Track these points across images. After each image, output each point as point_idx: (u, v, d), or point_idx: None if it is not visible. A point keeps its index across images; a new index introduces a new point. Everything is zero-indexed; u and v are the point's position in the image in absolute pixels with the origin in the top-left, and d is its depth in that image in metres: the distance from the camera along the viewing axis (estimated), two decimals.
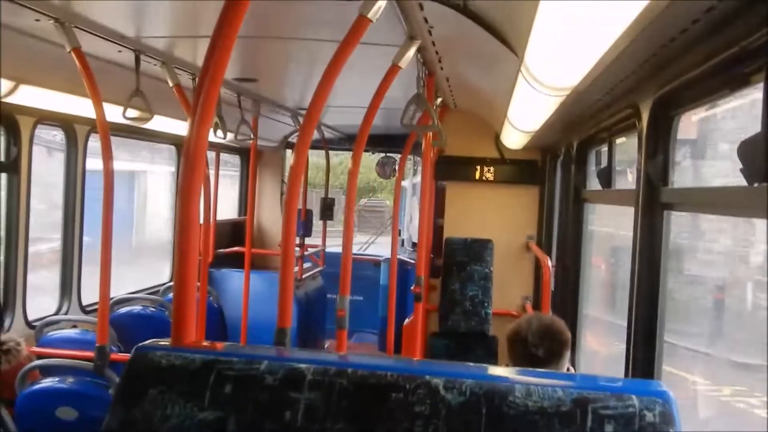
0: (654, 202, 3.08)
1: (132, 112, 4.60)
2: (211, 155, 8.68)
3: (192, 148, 1.96)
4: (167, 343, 1.87)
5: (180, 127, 5.67)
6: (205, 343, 1.97)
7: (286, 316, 2.65)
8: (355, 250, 15.97)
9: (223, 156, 9.46)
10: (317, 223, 9.69)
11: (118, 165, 4.43)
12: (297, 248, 8.60)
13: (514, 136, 6.09)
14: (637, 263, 3.14)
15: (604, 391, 1.60)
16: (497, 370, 1.82)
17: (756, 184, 2.02)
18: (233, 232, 9.55)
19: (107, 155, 4.32)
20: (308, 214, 8.95)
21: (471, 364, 1.87)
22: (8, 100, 4.73)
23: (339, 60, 2.60)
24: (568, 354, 3.18)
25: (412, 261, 10.21)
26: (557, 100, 3.49)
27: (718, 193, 2.69)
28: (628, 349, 3.21)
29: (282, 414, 1.67)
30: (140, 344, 1.83)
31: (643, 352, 3.08)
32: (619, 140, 4.66)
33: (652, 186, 3.08)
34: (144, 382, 1.75)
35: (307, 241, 9.17)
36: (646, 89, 3.11)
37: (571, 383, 1.65)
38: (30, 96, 4.86)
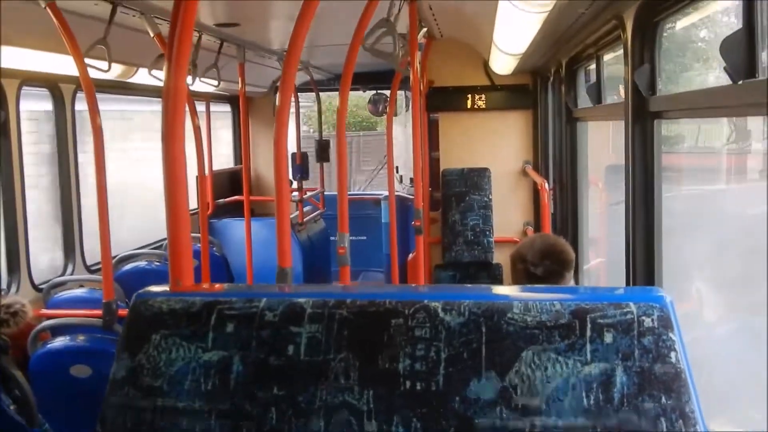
0: (643, 111, 3.06)
1: (98, 63, 4.41)
2: (202, 107, 8.60)
3: (171, 94, 1.94)
4: (166, 289, 1.88)
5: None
6: (204, 286, 1.98)
7: (286, 255, 2.66)
8: (355, 190, 16.01)
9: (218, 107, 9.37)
10: (315, 166, 9.63)
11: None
12: (295, 192, 8.59)
13: (503, 61, 6.03)
14: (630, 174, 3.13)
15: (601, 301, 1.61)
16: (494, 290, 1.83)
17: (740, 81, 2.00)
18: (231, 181, 9.52)
19: (94, 112, 4.29)
20: (304, 157, 8.91)
21: (469, 285, 1.87)
22: None
23: None
24: (569, 274, 3.16)
25: (411, 196, 10.21)
26: (540, 17, 3.43)
27: (704, 95, 2.65)
28: (627, 260, 3.22)
29: (285, 349, 1.68)
30: (139, 291, 1.84)
31: (643, 260, 3.09)
32: (607, 57, 4.61)
33: (640, 96, 3.05)
34: (146, 328, 1.76)
35: (306, 184, 9.15)
36: None
37: (568, 296, 1.66)
38: (12, 57, 4.77)
